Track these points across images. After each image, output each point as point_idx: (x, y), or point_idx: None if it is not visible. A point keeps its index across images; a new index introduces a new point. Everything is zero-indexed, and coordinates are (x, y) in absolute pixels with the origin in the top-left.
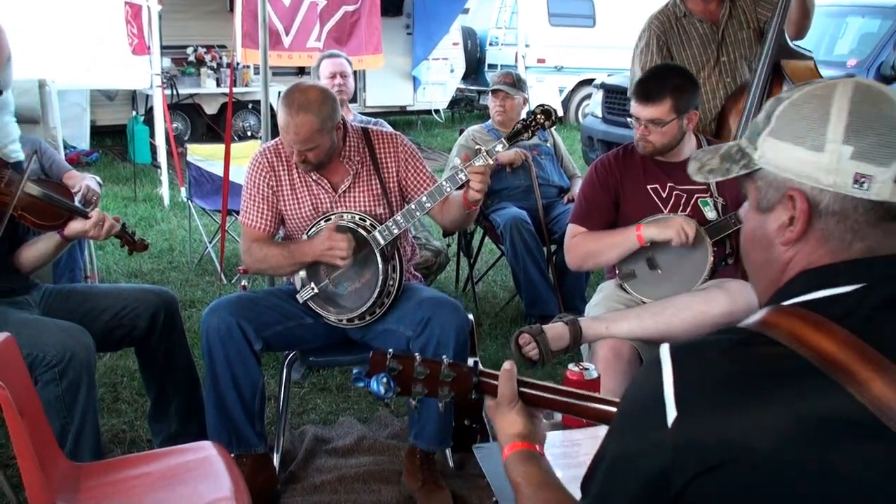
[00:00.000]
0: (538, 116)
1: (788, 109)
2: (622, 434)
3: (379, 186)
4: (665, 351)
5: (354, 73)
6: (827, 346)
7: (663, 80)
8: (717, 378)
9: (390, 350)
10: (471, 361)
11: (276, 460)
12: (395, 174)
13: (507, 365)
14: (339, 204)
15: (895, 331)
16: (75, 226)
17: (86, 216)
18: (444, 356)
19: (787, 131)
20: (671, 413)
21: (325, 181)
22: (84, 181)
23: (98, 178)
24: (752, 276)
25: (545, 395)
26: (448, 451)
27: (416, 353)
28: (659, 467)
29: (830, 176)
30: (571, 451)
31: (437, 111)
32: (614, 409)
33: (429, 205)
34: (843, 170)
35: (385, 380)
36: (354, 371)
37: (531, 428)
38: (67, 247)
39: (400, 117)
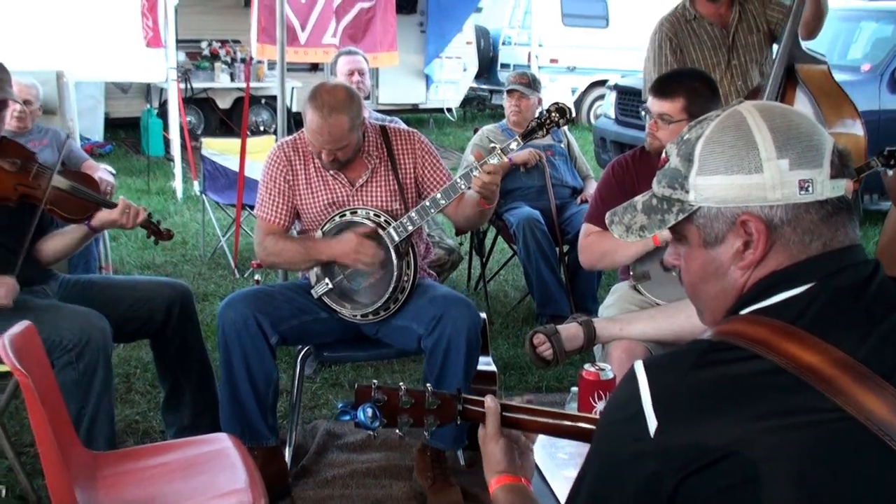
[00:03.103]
0: (553, 114)
1: (708, 146)
2: (608, 447)
3: (395, 183)
4: (639, 366)
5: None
6: (791, 348)
7: (682, 79)
8: (690, 386)
9: (375, 381)
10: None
11: (287, 454)
12: (411, 171)
13: (489, 402)
14: (355, 199)
15: (844, 325)
16: (102, 215)
17: (111, 206)
18: (428, 384)
19: (716, 165)
20: (652, 423)
21: (343, 176)
22: (97, 172)
23: (111, 169)
24: (706, 307)
25: (527, 417)
26: (459, 450)
27: (401, 384)
28: (647, 475)
29: (777, 191)
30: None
31: (449, 110)
32: (594, 427)
33: (443, 202)
34: (788, 182)
35: (370, 411)
36: (340, 405)
37: (517, 462)
38: (92, 238)
39: (412, 115)
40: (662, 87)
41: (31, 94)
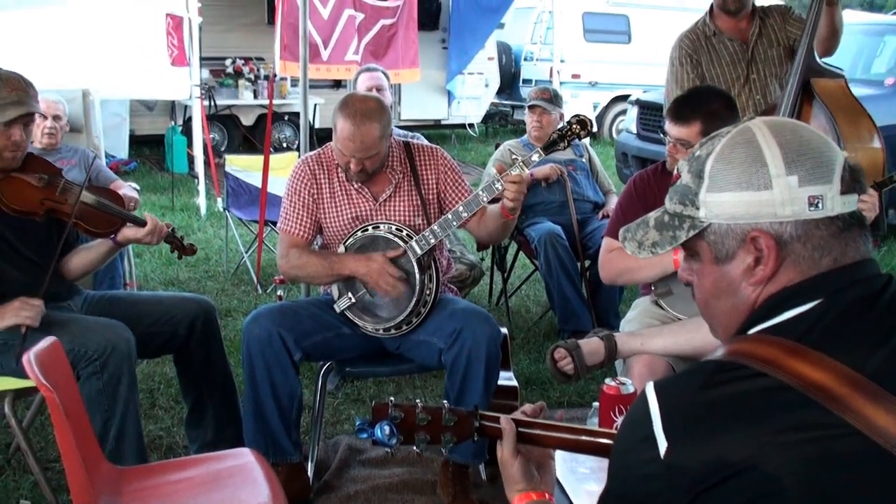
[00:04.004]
0: (574, 126)
1: (718, 163)
2: (622, 469)
3: (418, 198)
4: (650, 388)
5: (390, 86)
6: (798, 366)
7: (698, 102)
8: (699, 407)
9: (391, 399)
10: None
11: (310, 469)
12: (434, 187)
13: (504, 423)
14: (379, 213)
15: (852, 340)
16: (128, 233)
17: (139, 223)
18: (445, 401)
19: (726, 182)
20: (662, 444)
21: (367, 190)
22: (122, 190)
23: (136, 186)
24: (719, 323)
25: (544, 433)
26: (481, 465)
27: (417, 401)
28: (660, 496)
29: (787, 207)
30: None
31: (471, 125)
32: (612, 442)
33: (465, 214)
34: (797, 198)
35: (388, 428)
36: (357, 422)
37: (536, 477)
38: (116, 253)
39: (434, 131)
40: (678, 111)
41: (59, 110)
